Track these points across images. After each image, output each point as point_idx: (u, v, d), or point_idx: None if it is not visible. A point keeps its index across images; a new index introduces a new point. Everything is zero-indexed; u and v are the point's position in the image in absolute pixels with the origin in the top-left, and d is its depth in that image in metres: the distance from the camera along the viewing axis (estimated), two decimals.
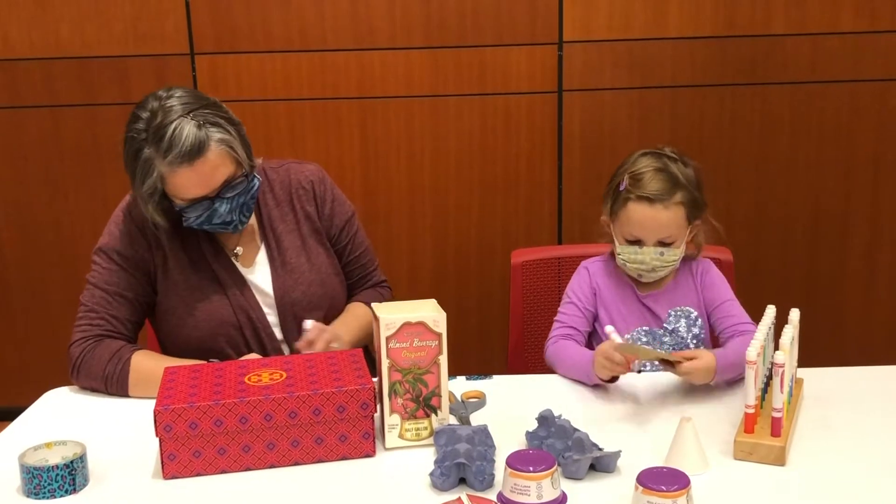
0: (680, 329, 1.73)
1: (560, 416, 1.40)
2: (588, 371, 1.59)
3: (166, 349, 1.78)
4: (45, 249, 3.00)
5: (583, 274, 1.82)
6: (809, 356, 2.93)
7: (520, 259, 2.05)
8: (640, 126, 2.84)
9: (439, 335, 1.41)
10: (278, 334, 1.76)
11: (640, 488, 1.16)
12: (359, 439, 1.40)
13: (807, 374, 1.65)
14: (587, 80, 2.82)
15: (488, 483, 1.28)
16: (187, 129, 1.55)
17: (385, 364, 1.41)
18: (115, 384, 1.64)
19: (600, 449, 1.34)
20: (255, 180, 1.67)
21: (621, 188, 1.70)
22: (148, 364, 1.64)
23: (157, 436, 1.34)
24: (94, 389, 1.68)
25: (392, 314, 1.42)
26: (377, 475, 1.37)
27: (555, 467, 1.23)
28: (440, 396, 1.44)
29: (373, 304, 1.48)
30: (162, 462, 1.35)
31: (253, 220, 1.79)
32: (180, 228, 1.71)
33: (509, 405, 1.57)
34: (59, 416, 1.62)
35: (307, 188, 1.83)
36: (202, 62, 2.82)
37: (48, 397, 1.71)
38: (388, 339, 1.41)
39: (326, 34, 2.80)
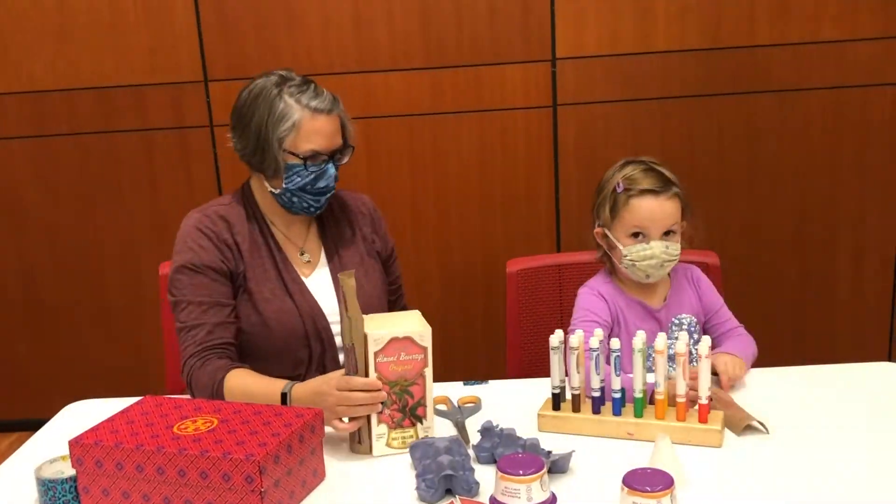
0: (683, 337, 1.73)
1: (498, 426, 1.42)
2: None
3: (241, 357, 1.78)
4: (74, 269, 3.08)
5: (595, 294, 1.78)
6: (800, 355, 3.01)
7: (514, 268, 2.07)
8: (632, 137, 2.87)
9: (425, 349, 1.44)
10: (338, 342, 1.79)
11: (626, 489, 1.18)
12: None
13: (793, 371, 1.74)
14: (580, 95, 2.86)
15: (475, 492, 1.31)
16: (324, 89, 1.74)
17: (373, 377, 1.44)
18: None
19: (548, 452, 1.36)
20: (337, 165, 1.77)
21: (619, 190, 1.72)
22: (237, 384, 1.63)
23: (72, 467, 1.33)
24: None
25: (379, 330, 1.43)
26: (367, 483, 1.39)
27: (544, 470, 1.24)
28: (426, 406, 1.47)
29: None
30: (78, 493, 1.32)
31: (315, 230, 1.86)
32: (253, 234, 1.76)
33: (504, 409, 1.60)
34: (79, 429, 1.51)
35: (365, 213, 1.92)
36: (216, 88, 2.89)
37: (68, 410, 1.74)
38: (375, 353, 1.42)
39: (332, 58, 2.87)
